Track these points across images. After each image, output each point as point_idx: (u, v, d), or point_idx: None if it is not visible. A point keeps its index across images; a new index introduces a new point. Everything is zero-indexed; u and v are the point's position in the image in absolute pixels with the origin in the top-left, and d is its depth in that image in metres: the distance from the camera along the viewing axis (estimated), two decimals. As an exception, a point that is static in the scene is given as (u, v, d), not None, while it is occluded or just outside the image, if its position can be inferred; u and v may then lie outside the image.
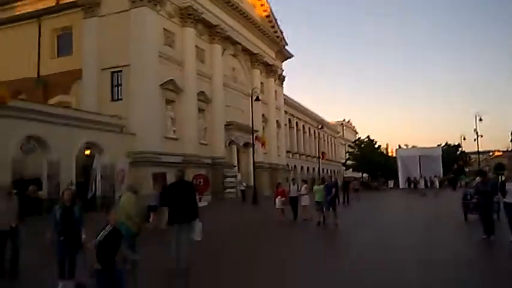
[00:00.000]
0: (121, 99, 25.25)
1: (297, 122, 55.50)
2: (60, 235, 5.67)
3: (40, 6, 30.33)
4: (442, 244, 9.03)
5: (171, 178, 23.11)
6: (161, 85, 25.88)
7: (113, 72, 25.56)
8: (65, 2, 29.14)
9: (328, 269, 6.92)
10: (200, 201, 13.31)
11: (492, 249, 8.37)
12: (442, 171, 47.88)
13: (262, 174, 36.26)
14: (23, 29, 29.96)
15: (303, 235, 11.87)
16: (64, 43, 29.20)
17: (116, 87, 25.66)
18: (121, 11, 25.37)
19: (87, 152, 21.92)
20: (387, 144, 73.53)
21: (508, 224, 8.52)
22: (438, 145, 56.30)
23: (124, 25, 25.04)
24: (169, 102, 26.99)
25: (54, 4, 29.96)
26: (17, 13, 31.25)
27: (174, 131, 27.12)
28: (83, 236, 5.68)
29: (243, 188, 29.57)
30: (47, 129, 18.92)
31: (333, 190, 13.37)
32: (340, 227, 12.54)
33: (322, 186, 13.77)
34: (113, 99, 25.54)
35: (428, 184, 35.86)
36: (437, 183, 35.10)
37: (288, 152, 49.09)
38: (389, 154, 67.69)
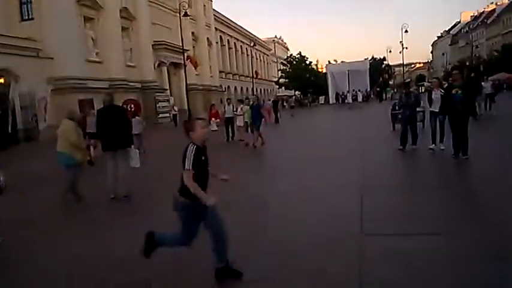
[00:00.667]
0: (32, 19, 22.57)
1: (228, 40, 53.89)
2: None
3: None
4: (369, 153, 9.47)
5: (99, 105, 22.05)
6: (78, 1, 23.34)
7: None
8: None
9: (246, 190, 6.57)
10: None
11: (408, 156, 8.83)
12: (369, 84, 49.92)
13: (196, 96, 35.51)
14: None
15: (232, 156, 11.67)
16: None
17: (25, 5, 22.79)
18: None
19: (1, 80, 19.80)
20: (317, 61, 74.47)
21: (431, 133, 8.99)
22: (365, 59, 57.96)
23: None
24: (88, 20, 24.66)
25: None
26: None
27: (97, 53, 25.17)
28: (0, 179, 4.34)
29: (174, 112, 28.38)
30: None
31: (260, 111, 13.28)
32: (265, 147, 12.37)
33: (248, 107, 13.60)
34: (22, 19, 22.76)
35: (358, 98, 37.47)
36: (360, 97, 36.67)
37: (220, 72, 48.13)
38: (320, 70, 68.87)
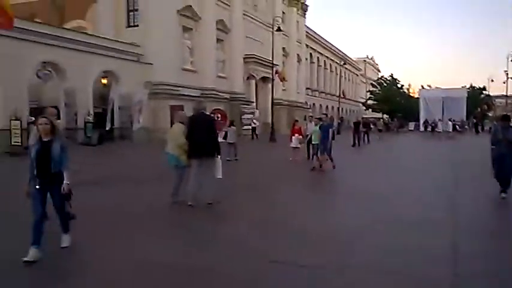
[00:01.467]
0: (137, 26, 24.10)
1: (318, 57, 53.55)
2: (35, 181, 4.10)
3: None
4: (461, 196, 8.13)
5: (188, 112, 22.76)
6: (178, 11, 24.54)
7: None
8: None
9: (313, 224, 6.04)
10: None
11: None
12: (465, 114, 46.38)
13: (281, 111, 35.49)
14: None
15: (307, 176, 11.01)
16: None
17: (133, 12, 24.43)
18: None
19: (104, 81, 21.34)
20: (409, 85, 71.20)
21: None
22: (463, 87, 54.10)
23: None
24: (186, 30, 25.77)
25: None
26: None
27: (192, 63, 26.17)
28: (66, 182, 4.14)
29: (254, 125, 28.15)
30: (63, 55, 18.24)
31: (330, 132, 11.76)
32: (335, 173, 11.12)
33: (317, 126, 12.06)
34: (129, 25, 24.43)
35: (448, 128, 34.73)
36: (451, 126, 33.99)
37: (307, 88, 47.84)
38: (412, 95, 65.66)
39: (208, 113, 6.94)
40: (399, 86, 58.10)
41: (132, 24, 24.41)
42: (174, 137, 6.57)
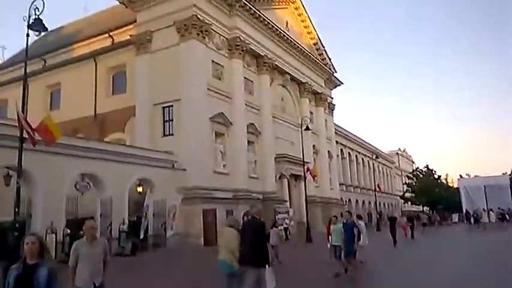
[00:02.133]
0: (172, 135, 25.18)
1: (349, 153, 53.71)
2: None
3: (97, 46, 31.74)
4: None
5: (220, 215, 22.51)
6: (211, 118, 25.66)
7: (164, 108, 25.68)
8: (119, 41, 30.25)
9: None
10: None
11: None
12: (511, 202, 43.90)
13: (315, 209, 34.76)
14: (82, 69, 31.32)
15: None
16: (119, 81, 30.13)
17: (168, 123, 25.68)
18: (171, 46, 25.72)
19: (139, 189, 21.78)
20: (447, 174, 69.36)
21: None
22: (503, 173, 52.13)
23: (174, 59, 25.33)
24: (218, 135, 26.67)
25: (110, 44, 31.19)
26: (76, 54, 32.87)
27: (224, 166, 26.60)
28: None
29: (285, 225, 26.88)
30: (100, 167, 18.97)
31: (355, 232, 10.54)
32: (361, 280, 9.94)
33: (339, 225, 10.89)
34: (164, 135, 25.53)
35: (492, 218, 32.69)
36: (494, 217, 31.96)
37: (341, 184, 47.26)
38: (450, 185, 63.58)
39: (259, 219, 6.69)
40: (436, 176, 56.56)
41: (167, 133, 25.52)
42: (225, 242, 6.44)
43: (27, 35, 11.50)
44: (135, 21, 27.74)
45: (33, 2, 11.05)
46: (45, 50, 35.68)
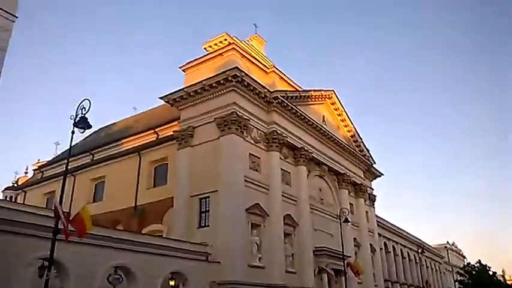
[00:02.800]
0: (208, 226, 25.14)
1: (393, 246, 50.96)
2: None
3: (142, 141, 33.69)
4: None
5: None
6: (247, 209, 25.57)
7: (201, 199, 26.03)
8: (163, 136, 32.00)
9: None
10: None
11: None
12: None
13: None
14: (126, 163, 33.01)
15: None
16: (160, 174, 31.30)
17: (204, 214, 25.81)
18: (211, 140, 26.86)
19: (172, 282, 21.31)
20: (503, 270, 63.60)
21: None
22: None
23: (213, 152, 26.27)
24: (255, 226, 26.29)
25: (154, 139, 33.02)
26: (123, 149, 34.88)
27: (260, 259, 25.80)
28: None
29: None
30: (134, 259, 18.93)
31: None
32: None
33: None
34: (200, 226, 25.53)
35: None
36: None
37: (386, 280, 44.18)
38: (508, 282, 57.91)
39: None
40: (491, 273, 51.92)
41: (203, 224, 25.55)
42: None
43: (73, 132, 12.50)
44: (179, 118, 29.51)
45: (81, 102, 12.23)
46: (94, 145, 38.17)
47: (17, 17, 13.53)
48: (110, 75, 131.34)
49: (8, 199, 39.62)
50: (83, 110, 12.24)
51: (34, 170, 46.60)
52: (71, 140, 12.64)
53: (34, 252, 15.49)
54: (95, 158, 36.66)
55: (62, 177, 34.46)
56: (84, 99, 12.44)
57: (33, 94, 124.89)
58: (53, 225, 12.51)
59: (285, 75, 32.82)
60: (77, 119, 12.19)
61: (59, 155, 43.87)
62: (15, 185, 44.84)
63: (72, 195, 34.88)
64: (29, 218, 15.88)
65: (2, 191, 44.09)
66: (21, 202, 36.92)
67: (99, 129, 47.06)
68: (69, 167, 37.38)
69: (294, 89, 33.15)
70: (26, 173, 49.32)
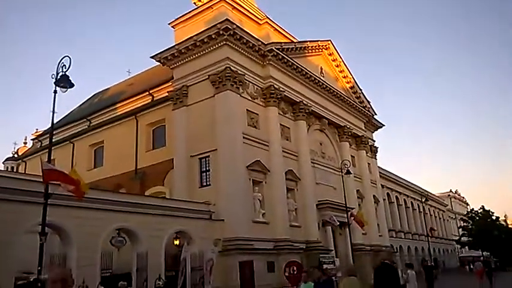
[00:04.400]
0: (209, 185, 25.00)
1: (397, 197, 51.29)
2: None
3: (138, 104, 33.05)
4: None
5: (258, 267, 21.50)
6: (248, 167, 25.32)
7: (200, 159, 25.74)
8: (158, 98, 31.33)
9: None
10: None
11: None
12: None
13: (364, 258, 32.69)
14: (124, 126, 32.53)
15: None
16: (158, 136, 30.90)
17: (204, 173, 25.62)
18: (206, 98, 26.21)
19: (176, 242, 21.38)
20: (505, 215, 64.39)
21: None
22: None
23: (209, 111, 25.69)
24: (256, 183, 26.15)
25: (149, 101, 32.36)
26: (119, 113, 34.29)
27: (263, 214, 25.83)
28: None
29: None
30: (137, 221, 18.84)
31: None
32: None
33: (310, 283, 8.81)
34: (201, 186, 25.40)
35: None
36: None
37: (390, 230, 44.72)
38: (510, 226, 58.75)
39: (391, 265, 6.45)
40: (494, 218, 52.50)
41: (204, 184, 25.40)
42: None
43: (55, 92, 11.88)
44: (173, 78, 28.70)
45: (60, 60, 11.56)
46: (90, 111, 37.57)
47: None
48: (99, 38, 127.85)
49: (9, 169, 39.53)
50: (64, 68, 11.58)
51: (32, 139, 46.26)
52: (54, 101, 11.99)
53: (35, 218, 15.30)
54: (91, 124, 36.17)
55: (62, 145, 34.22)
56: (64, 57, 11.76)
57: (23, 63, 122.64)
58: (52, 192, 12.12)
59: (279, 26, 31.58)
60: (58, 77, 11.53)
61: (56, 123, 43.36)
62: (15, 155, 44.69)
63: (72, 162, 34.68)
64: (29, 185, 15.58)
65: (3, 162, 44.03)
66: (22, 172, 36.81)
67: (94, 95, 46.27)
68: (67, 135, 36.93)
69: (289, 41, 32.02)
70: (25, 143, 49.08)
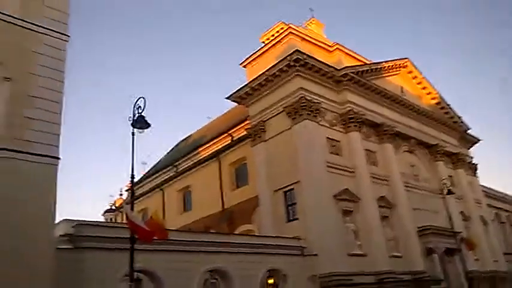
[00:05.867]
0: (296, 219, 24.07)
1: (508, 216, 45.73)
2: None
3: (219, 146, 33.71)
4: None
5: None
6: (335, 196, 24.09)
7: (285, 192, 25.09)
8: (238, 137, 31.66)
9: None
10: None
11: None
12: None
13: (481, 286, 28.95)
14: (207, 169, 33.20)
15: None
16: (241, 174, 30.93)
17: (290, 207, 24.83)
18: (284, 131, 25.87)
19: (271, 280, 20.55)
20: None
21: None
22: None
23: (288, 143, 25.24)
24: (347, 213, 24.69)
25: (229, 141, 32.85)
26: (202, 156, 35.23)
27: (359, 246, 24.11)
28: None
29: None
30: (227, 261, 18.43)
31: None
32: None
33: None
34: (288, 220, 24.56)
35: None
36: None
37: (506, 253, 39.54)
38: None
39: None
40: None
41: (291, 218, 24.55)
42: None
43: (133, 134, 12.19)
44: (249, 115, 28.93)
45: (136, 101, 11.94)
46: (176, 158, 39.16)
47: (69, 36, 13.62)
48: (178, 87, 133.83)
49: (108, 220, 42.11)
50: (139, 109, 11.95)
51: (126, 190, 49.20)
52: (133, 142, 12.21)
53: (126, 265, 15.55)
54: (178, 170, 37.50)
55: (153, 192, 35.69)
56: (139, 98, 12.20)
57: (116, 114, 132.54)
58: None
59: (350, 50, 30.81)
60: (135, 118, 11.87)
61: (146, 173, 45.76)
62: (113, 207, 47.69)
63: (163, 208, 36.03)
64: (121, 232, 15.97)
65: (102, 215, 47.15)
66: (120, 221, 38.92)
67: (178, 143, 48.43)
68: (158, 182, 38.44)
69: (363, 63, 30.93)
70: (121, 194, 52.35)
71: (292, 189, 24.58)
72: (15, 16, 12.62)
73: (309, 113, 25.17)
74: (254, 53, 29.22)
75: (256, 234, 26.06)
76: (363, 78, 28.87)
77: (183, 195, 35.99)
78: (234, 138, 32.42)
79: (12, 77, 12.03)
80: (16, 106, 11.84)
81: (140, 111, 11.91)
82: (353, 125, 27.36)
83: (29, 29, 12.83)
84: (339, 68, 27.89)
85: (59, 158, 12.17)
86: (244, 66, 29.82)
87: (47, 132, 12.08)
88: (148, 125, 12.14)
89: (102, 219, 45.60)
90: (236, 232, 27.55)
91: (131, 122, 11.96)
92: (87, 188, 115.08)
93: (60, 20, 13.54)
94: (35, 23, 12.97)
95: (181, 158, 38.22)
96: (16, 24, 12.63)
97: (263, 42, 29.86)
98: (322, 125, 25.93)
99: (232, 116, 35.89)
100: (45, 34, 13.09)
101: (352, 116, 27.35)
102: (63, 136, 12.37)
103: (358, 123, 27.60)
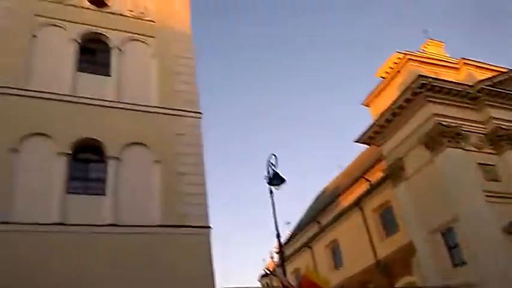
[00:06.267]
0: (465, 263, 21.00)
1: None
2: None
3: (357, 193, 32.25)
4: None
5: None
6: (504, 229, 20.65)
7: (443, 234, 22.37)
8: (375, 180, 29.97)
9: None
10: None
11: None
12: None
13: None
14: (350, 219, 31.78)
15: None
16: (388, 220, 28.79)
17: (453, 249, 21.90)
18: (425, 164, 23.70)
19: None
20: None
21: None
22: None
23: (433, 177, 22.85)
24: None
25: (368, 187, 31.26)
26: (342, 207, 34.04)
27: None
28: None
29: None
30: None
31: None
32: None
33: None
34: (454, 265, 21.57)
35: None
36: None
37: None
38: None
39: None
40: None
41: (456, 262, 21.55)
42: None
43: (271, 192, 12.71)
44: (382, 155, 27.44)
45: (268, 159, 12.50)
46: (316, 213, 38.64)
47: (201, 113, 15.11)
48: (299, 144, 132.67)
49: (265, 286, 42.58)
50: (272, 166, 12.47)
51: (277, 253, 49.65)
52: (272, 200, 12.68)
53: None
54: (321, 225, 36.77)
55: (297, 250, 35.32)
56: (271, 155, 12.82)
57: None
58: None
59: (480, 62, 27.65)
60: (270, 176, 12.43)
61: (292, 233, 45.92)
62: (267, 271, 48.29)
63: (315, 266, 35.19)
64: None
65: (259, 280, 47.97)
66: (275, 285, 38.99)
67: (317, 196, 47.96)
68: (303, 240, 38.16)
69: (499, 73, 27.30)
70: (272, 257, 52.94)
71: (452, 228, 21.83)
72: (157, 106, 14.86)
73: (450, 139, 22.78)
74: (374, 90, 28.21)
75: (419, 285, 23.50)
76: (504, 88, 25.40)
77: (332, 250, 34.80)
78: (372, 183, 30.80)
79: (161, 160, 13.73)
80: (167, 184, 13.23)
81: (274, 168, 12.45)
82: (505, 143, 23.84)
83: (169, 114, 15.01)
84: (471, 84, 25.11)
85: (210, 227, 12.95)
86: (366, 105, 28.84)
87: (197, 204, 13.26)
88: (283, 180, 12.64)
89: (258, 284, 46.43)
90: (398, 285, 25.23)
91: (267, 180, 12.53)
92: (239, 254, 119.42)
93: (193, 100, 15.20)
94: (173, 108, 15.17)
95: (322, 212, 37.53)
96: (158, 113, 14.74)
97: (382, 77, 28.69)
98: (467, 150, 23.15)
99: (365, 159, 34.45)
100: (183, 116, 15.13)
101: (501, 134, 23.94)
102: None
103: (510, 141, 23.95)
